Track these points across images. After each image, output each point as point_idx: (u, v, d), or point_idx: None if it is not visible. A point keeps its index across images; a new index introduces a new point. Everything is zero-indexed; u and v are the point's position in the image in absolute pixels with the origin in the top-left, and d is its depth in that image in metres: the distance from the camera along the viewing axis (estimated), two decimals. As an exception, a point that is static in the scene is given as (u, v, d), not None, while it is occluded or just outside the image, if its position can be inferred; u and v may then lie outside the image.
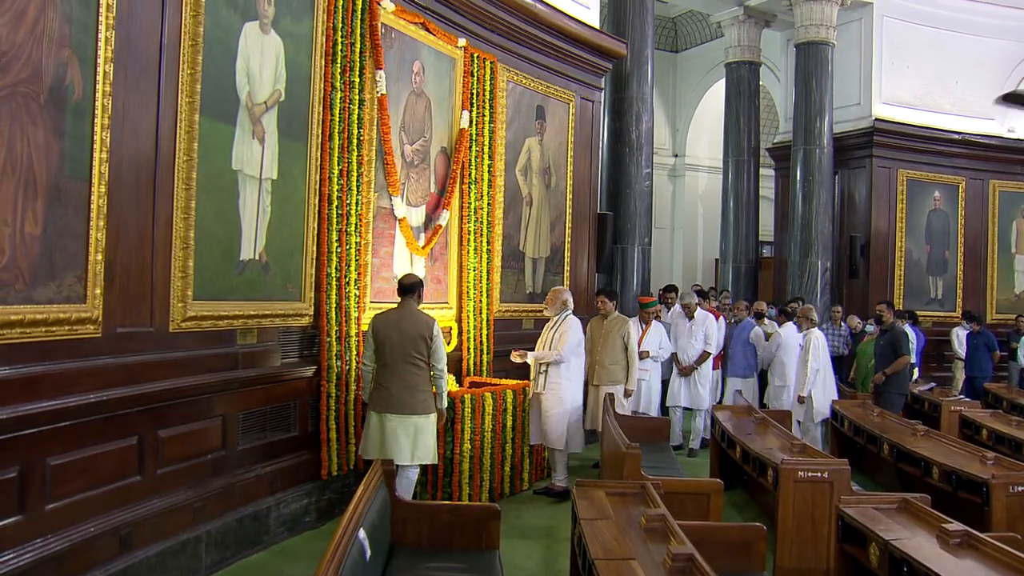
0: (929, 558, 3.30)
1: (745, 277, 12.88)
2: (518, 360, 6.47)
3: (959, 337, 11.03)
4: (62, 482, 3.62)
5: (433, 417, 5.09)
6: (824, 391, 8.02)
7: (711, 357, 8.26)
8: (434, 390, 5.09)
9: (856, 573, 4.06)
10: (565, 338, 6.34)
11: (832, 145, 11.62)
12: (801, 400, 7.86)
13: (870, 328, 9.48)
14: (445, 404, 5.19)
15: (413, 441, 4.96)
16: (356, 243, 5.55)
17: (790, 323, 8.39)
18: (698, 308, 8.29)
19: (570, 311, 6.53)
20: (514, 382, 6.51)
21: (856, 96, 12.26)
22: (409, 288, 5.16)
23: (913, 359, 8.92)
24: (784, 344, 8.20)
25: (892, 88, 12.26)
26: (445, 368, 5.12)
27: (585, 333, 7.08)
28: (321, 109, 5.32)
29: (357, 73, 5.54)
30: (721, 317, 8.73)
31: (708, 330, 8.18)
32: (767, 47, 13.24)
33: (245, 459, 4.85)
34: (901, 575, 3.37)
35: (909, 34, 12.33)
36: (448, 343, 6.74)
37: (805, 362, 7.83)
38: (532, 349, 6.55)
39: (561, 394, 6.35)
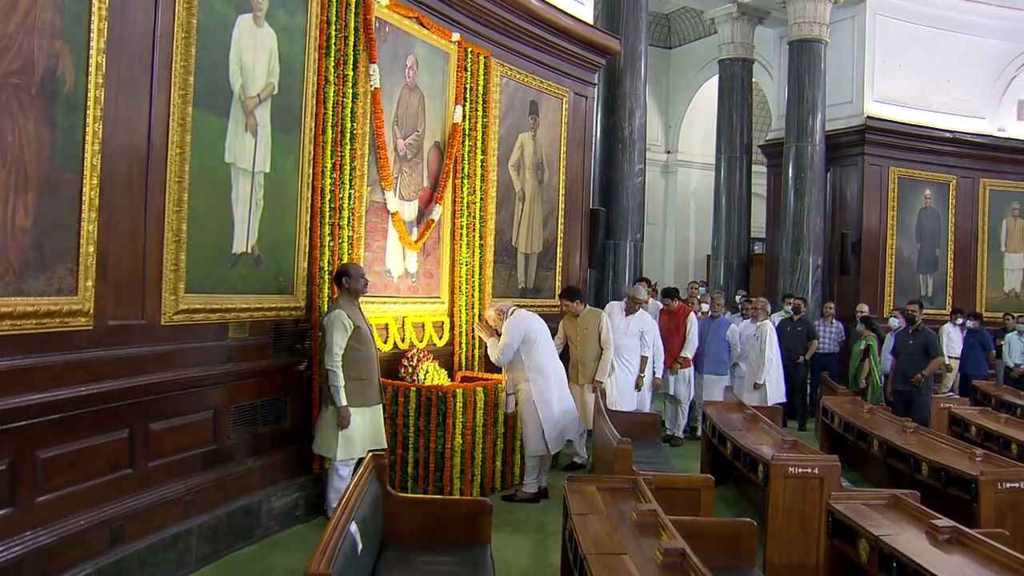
0: (918, 554, 3.32)
1: (737, 273, 12.92)
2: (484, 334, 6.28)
3: (949, 335, 11.06)
4: (53, 475, 3.61)
5: (332, 410, 4.93)
6: (777, 379, 8.52)
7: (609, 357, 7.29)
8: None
9: (846, 569, 4.08)
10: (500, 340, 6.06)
11: (824, 142, 11.65)
12: (757, 386, 8.32)
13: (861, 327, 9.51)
14: (339, 402, 4.87)
15: (317, 428, 5.06)
16: (349, 237, 5.55)
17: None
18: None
19: (513, 312, 6.10)
20: (506, 377, 6.46)
21: (848, 94, 12.29)
22: (335, 277, 5.20)
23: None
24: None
25: (884, 86, 12.29)
26: (333, 364, 4.84)
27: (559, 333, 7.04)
28: (314, 103, 5.31)
29: (351, 67, 5.52)
30: (693, 313, 8.59)
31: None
32: (760, 44, 13.27)
33: (236, 452, 4.84)
34: (890, 571, 3.39)
35: (901, 32, 12.36)
36: (440, 338, 6.74)
37: (762, 351, 8.33)
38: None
39: (515, 395, 6.11)
